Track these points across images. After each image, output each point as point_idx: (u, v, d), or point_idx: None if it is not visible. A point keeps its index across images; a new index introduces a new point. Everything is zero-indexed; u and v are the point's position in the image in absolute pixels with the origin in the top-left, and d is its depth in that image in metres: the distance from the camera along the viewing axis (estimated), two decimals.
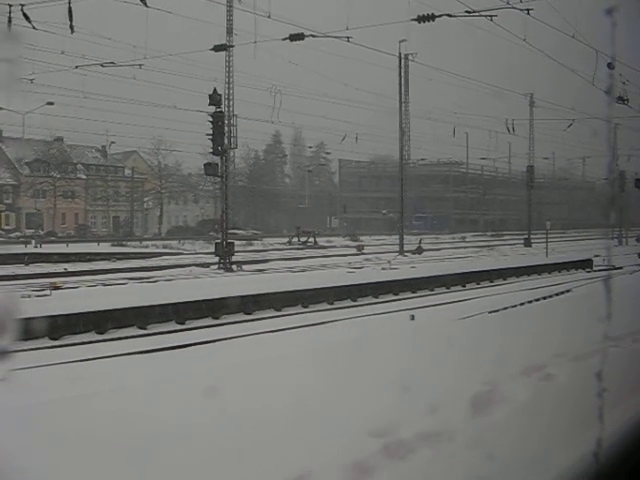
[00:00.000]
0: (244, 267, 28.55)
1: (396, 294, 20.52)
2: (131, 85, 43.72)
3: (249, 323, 14.98)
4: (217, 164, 30.30)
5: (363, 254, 38.38)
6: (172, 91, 62.65)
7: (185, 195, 79.18)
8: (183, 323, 14.79)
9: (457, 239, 59.32)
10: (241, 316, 15.82)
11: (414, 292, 20.74)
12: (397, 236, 67.47)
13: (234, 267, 28.54)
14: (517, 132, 44.53)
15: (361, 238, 58.72)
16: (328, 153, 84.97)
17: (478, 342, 6.40)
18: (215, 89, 30.00)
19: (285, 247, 47.77)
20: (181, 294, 16.40)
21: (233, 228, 58.61)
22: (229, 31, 30.86)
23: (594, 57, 26.42)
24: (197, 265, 28.97)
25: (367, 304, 18.54)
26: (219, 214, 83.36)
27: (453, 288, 21.42)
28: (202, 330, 13.81)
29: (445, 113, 71.46)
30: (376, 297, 20.05)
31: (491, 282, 22.75)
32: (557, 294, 16.76)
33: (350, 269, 27.96)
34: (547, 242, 34.73)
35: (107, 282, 22.41)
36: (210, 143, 29.39)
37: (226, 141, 29.71)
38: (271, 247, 47.36)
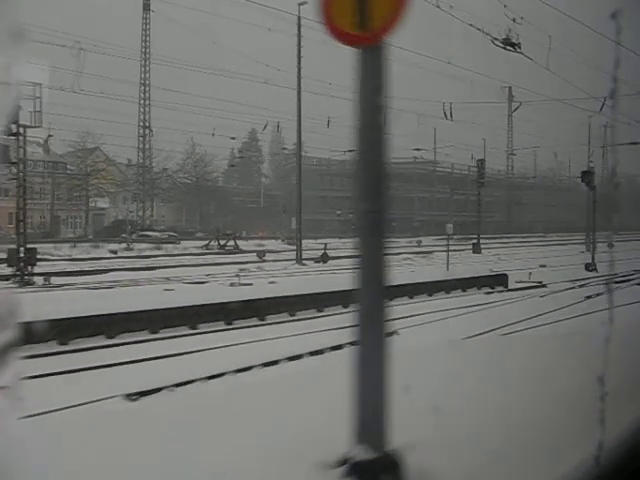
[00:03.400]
0: (53, 280, 21.42)
1: (193, 327, 13.76)
2: None
3: None
4: (8, 146, 22.77)
5: (259, 262, 31.50)
6: None
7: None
8: None
9: (405, 244, 52.25)
10: None
11: (229, 323, 13.97)
12: (350, 239, 61.40)
13: (42, 280, 21.40)
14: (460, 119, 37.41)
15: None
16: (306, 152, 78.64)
17: None
18: None
19: (195, 252, 40.62)
20: None
21: (146, 229, 51.75)
22: None
23: None
24: None
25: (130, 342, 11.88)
26: (160, 213, 77.85)
27: (287, 316, 14.49)
28: None
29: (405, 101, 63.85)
30: (155, 331, 13.30)
31: (345, 307, 15.59)
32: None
33: (188, 283, 21.24)
34: (448, 251, 27.23)
35: None
36: None
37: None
38: (177, 252, 40.34)
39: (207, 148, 64.74)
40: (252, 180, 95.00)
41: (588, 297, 17.26)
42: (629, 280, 23.62)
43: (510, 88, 75.65)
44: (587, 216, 38.80)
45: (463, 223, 72.43)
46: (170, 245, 44.74)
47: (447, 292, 18.45)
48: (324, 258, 31.13)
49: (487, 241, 58.61)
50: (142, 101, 54.72)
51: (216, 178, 71.12)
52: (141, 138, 56.70)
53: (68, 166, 69.26)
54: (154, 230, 51.17)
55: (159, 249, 42.34)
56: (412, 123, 60.63)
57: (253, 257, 34.84)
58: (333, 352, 9.57)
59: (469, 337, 9.36)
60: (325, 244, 33.99)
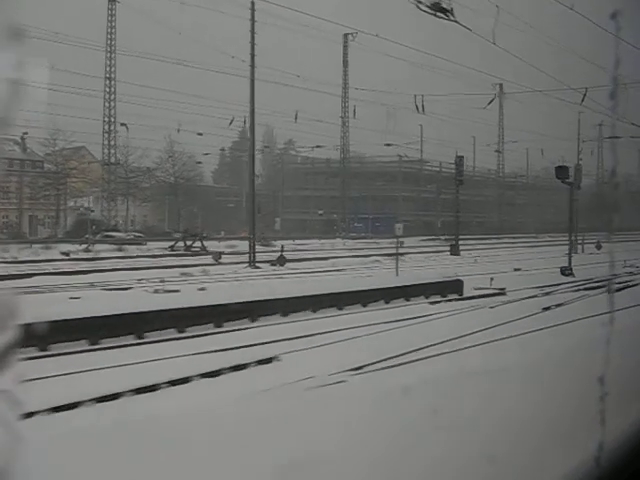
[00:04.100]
0: None
1: (43, 348, 11.27)
2: None
3: None
4: None
5: (213, 264, 29.30)
6: None
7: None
8: None
9: (387, 245, 49.87)
10: None
11: (94, 343, 11.47)
12: (332, 240, 59.07)
13: None
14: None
15: (274, 243, 49.47)
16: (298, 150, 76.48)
17: None
18: None
19: (157, 253, 38.32)
20: None
21: (111, 230, 49.44)
22: None
23: None
24: None
25: None
26: (143, 214, 75.59)
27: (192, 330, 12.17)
28: None
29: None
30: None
31: (252, 321, 13.31)
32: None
33: (109, 290, 19.02)
34: (397, 254, 24.88)
35: None
36: None
37: None
38: (137, 253, 38.02)
39: (188, 146, 62.33)
40: (243, 179, 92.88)
41: (546, 309, 14.95)
42: (603, 286, 21.32)
43: (501, 85, 73.59)
44: (571, 216, 36.49)
45: (451, 223, 70.25)
46: (134, 246, 42.44)
47: (387, 302, 16.12)
48: (281, 261, 28.84)
49: (472, 242, 56.37)
50: (107, 95, 52.39)
51: (195, 177, 68.51)
52: (106, 134, 54.15)
53: (46, 165, 67.05)
54: (119, 230, 48.79)
55: (120, 250, 40.05)
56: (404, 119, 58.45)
57: (205, 260, 32.63)
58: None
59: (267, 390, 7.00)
60: (282, 246, 31.67)
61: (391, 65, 72.81)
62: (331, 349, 9.83)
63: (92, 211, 48.27)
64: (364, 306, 15.54)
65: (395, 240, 54.52)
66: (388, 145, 52.96)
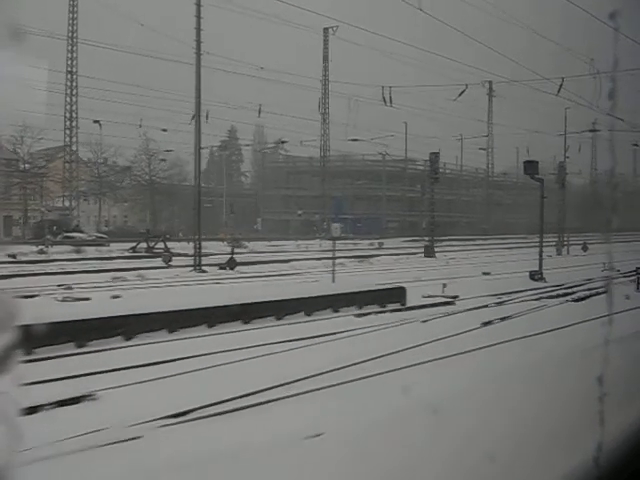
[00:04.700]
0: None
1: None
2: None
3: None
4: None
5: (162, 267, 27.17)
6: None
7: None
8: None
9: (367, 246, 47.87)
10: None
11: None
12: (311, 241, 56.60)
13: None
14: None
15: (246, 244, 47.26)
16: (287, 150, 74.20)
17: None
18: None
19: (115, 255, 36.14)
20: None
21: (72, 230, 47.21)
22: None
23: None
24: None
25: None
26: (122, 215, 73.42)
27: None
28: None
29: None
30: None
31: (126, 339, 11.09)
32: None
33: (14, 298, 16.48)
34: (334, 258, 20.62)
35: None
36: None
37: None
38: (94, 255, 35.86)
39: (157, 143, 60.07)
40: (232, 179, 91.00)
41: (486, 323, 12.74)
42: (572, 293, 19.16)
43: (490, 82, 71.40)
44: (541, 215, 34.12)
45: (437, 224, 67.98)
46: (94, 248, 40.27)
47: (308, 314, 13.91)
48: (231, 264, 26.60)
49: (456, 243, 54.30)
50: (68, 90, 50.11)
51: (173, 176, 66.26)
52: (68, 131, 51.93)
53: (26, 165, 64.83)
54: (82, 231, 46.59)
55: (78, 252, 37.89)
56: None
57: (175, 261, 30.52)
58: None
59: None
60: (232, 247, 29.40)
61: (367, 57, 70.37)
62: (170, 383, 7.66)
63: (68, 211, 46.17)
64: (278, 319, 13.32)
65: (376, 242, 52.55)
66: (354, 140, 50.61)
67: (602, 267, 25.93)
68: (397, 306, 15.74)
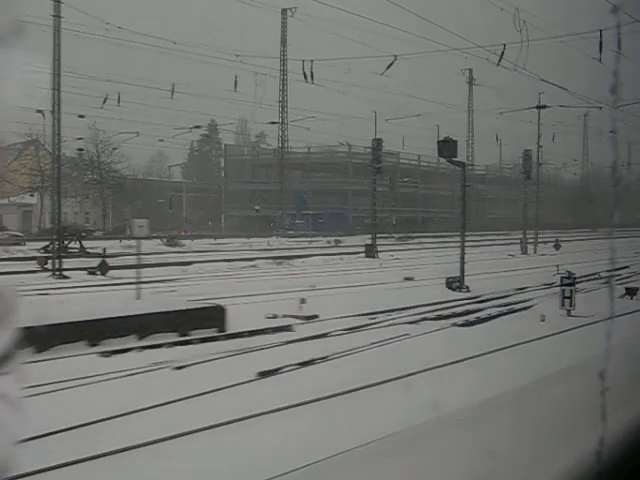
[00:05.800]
0: None
1: None
2: None
3: None
4: None
5: (34, 271, 23.01)
6: None
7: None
8: None
9: (325, 244, 43.93)
10: None
11: None
12: (268, 238, 52.23)
13: None
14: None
15: (182, 242, 43.03)
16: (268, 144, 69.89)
17: None
18: None
19: (22, 255, 31.97)
20: None
21: None
22: None
23: None
24: None
25: None
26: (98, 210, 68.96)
27: None
28: None
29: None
30: None
31: None
32: None
33: None
34: (139, 266, 16.40)
35: None
36: None
37: None
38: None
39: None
40: (211, 175, 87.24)
41: (262, 374, 8.42)
42: (477, 310, 14.76)
43: (471, 70, 66.87)
44: (463, 208, 29.86)
45: (408, 219, 63.60)
46: (3, 247, 36.22)
47: (40, 351, 9.63)
48: (102, 268, 22.33)
49: (415, 240, 50.23)
50: None
51: (123, 169, 62.00)
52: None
53: None
54: None
55: None
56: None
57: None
58: None
59: None
60: (104, 249, 25.06)
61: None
62: None
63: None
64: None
65: (334, 239, 48.27)
66: (273, 123, 46.07)
67: (555, 271, 21.74)
68: (212, 332, 11.44)
